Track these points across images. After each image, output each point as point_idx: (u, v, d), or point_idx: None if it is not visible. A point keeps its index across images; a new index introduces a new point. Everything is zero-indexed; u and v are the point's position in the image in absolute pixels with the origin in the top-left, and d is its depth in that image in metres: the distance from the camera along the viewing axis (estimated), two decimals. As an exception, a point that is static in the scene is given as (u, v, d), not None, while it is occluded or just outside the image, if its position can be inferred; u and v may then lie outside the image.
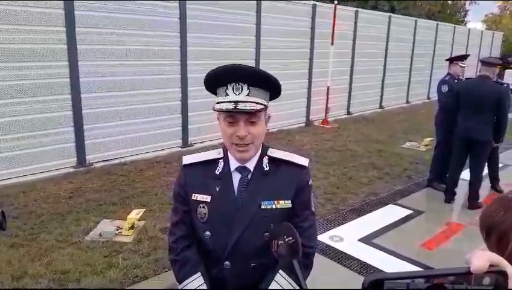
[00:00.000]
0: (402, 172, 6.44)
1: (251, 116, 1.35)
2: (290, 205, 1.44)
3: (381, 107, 12.72)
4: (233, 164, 1.47)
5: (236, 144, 1.38)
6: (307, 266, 1.48)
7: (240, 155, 1.41)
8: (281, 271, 1.41)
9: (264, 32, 8.30)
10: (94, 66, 5.86)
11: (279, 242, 1.23)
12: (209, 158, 1.50)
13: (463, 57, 5.76)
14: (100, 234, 3.92)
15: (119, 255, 3.59)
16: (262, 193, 1.43)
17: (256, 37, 8.21)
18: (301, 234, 1.40)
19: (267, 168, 1.46)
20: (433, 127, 5.93)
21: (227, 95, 1.34)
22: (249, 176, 1.46)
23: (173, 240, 1.52)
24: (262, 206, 1.42)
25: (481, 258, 0.51)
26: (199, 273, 1.45)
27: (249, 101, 1.32)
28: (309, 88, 9.82)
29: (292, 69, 9.14)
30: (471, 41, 17.95)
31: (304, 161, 1.50)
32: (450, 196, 5.24)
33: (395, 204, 5.14)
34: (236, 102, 1.32)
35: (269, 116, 1.47)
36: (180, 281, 1.48)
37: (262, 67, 8.30)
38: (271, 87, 1.40)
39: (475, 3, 30.49)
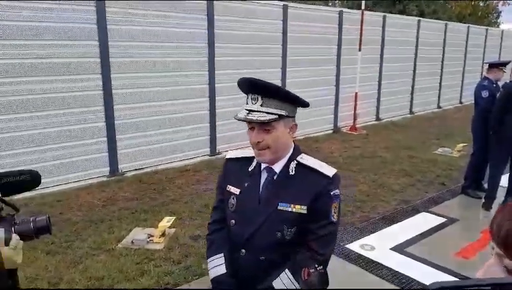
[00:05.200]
0: (435, 179, 6.27)
1: (264, 124, 1.47)
2: (305, 211, 1.50)
3: (411, 112, 12.45)
4: (264, 164, 1.60)
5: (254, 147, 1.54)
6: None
7: (257, 158, 1.57)
8: (286, 270, 1.50)
9: (290, 40, 8.33)
10: (126, 78, 6.04)
11: (311, 270, 1.26)
12: (247, 155, 1.67)
13: (506, 64, 5.64)
14: (132, 242, 4.00)
15: (150, 263, 3.65)
16: (281, 195, 1.53)
17: (282, 45, 8.24)
18: (315, 240, 1.49)
19: (292, 173, 1.56)
20: (470, 133, 5.75)
21: (246, 103, 1.50)
22: (274, 177, 1.58)
23: (210, 222, 1.77)
24: (279, 207, 1.52)
25: None
26: (222, 254, 1.65)
27: (261, 111, 1.45)
28: (336, 95, 9.74)
29: (319, 76, 9.10)
30: (504, 43, 17.36)
31: (329, 172, 1.54)
32: (491, 203, 5.05)
33: (428, 212, 5.01)
34: (249, 111, 1.47)
35: (295, 125, 1.57)
36: (207, 257, 1.71)
37: (289, 75, 8.39)
38: (285, 98, 1.49)
39: (508, 3, 29.49)
